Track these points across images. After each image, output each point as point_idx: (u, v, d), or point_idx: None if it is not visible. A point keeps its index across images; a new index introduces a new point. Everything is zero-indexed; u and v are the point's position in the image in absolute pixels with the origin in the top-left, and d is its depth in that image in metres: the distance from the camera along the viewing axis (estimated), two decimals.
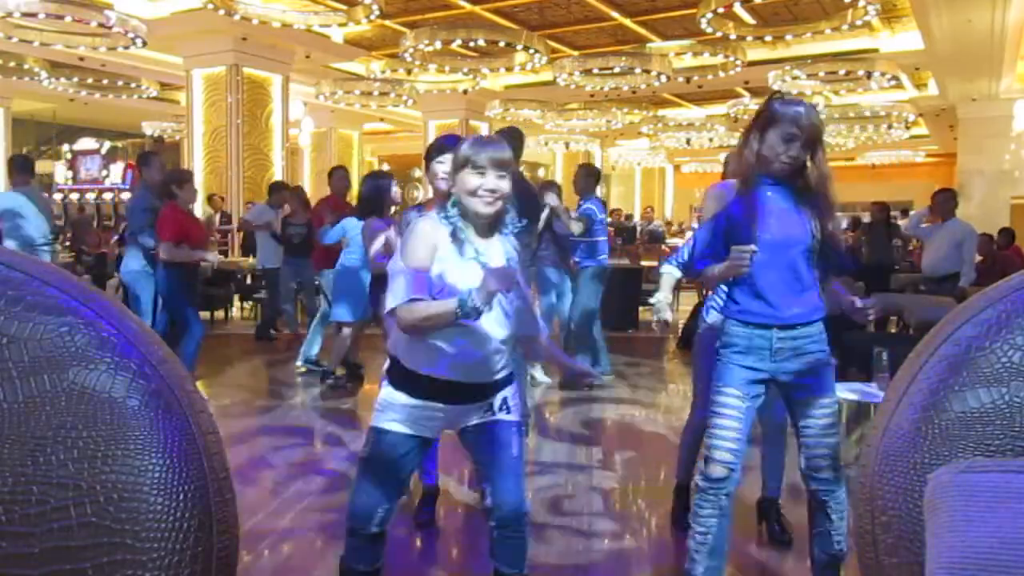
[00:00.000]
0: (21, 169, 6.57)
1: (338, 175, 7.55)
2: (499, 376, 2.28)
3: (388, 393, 2.28)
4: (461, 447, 2.44)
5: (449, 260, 2.15)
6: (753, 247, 2.38)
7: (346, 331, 6.20)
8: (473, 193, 2.16)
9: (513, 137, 4.06)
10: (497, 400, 2.30)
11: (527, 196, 4.13)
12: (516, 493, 2.29)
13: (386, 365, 2.36)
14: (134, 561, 1.01)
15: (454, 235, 2.16)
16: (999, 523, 1.00)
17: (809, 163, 2.45)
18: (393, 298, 2.13)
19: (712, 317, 3.30)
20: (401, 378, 2.26)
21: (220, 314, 9.93)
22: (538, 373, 6.50)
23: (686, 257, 2.99)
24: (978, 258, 7.75)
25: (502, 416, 2.30)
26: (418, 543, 3.40)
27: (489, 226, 2.24)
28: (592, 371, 3.23)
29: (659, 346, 8.88)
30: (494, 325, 2.19)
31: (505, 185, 2.17)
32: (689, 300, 10.64)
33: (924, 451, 1.17)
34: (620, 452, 4.77)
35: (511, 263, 2.22)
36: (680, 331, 8.74)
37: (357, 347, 6.51)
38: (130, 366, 1.05)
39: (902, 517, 1.17)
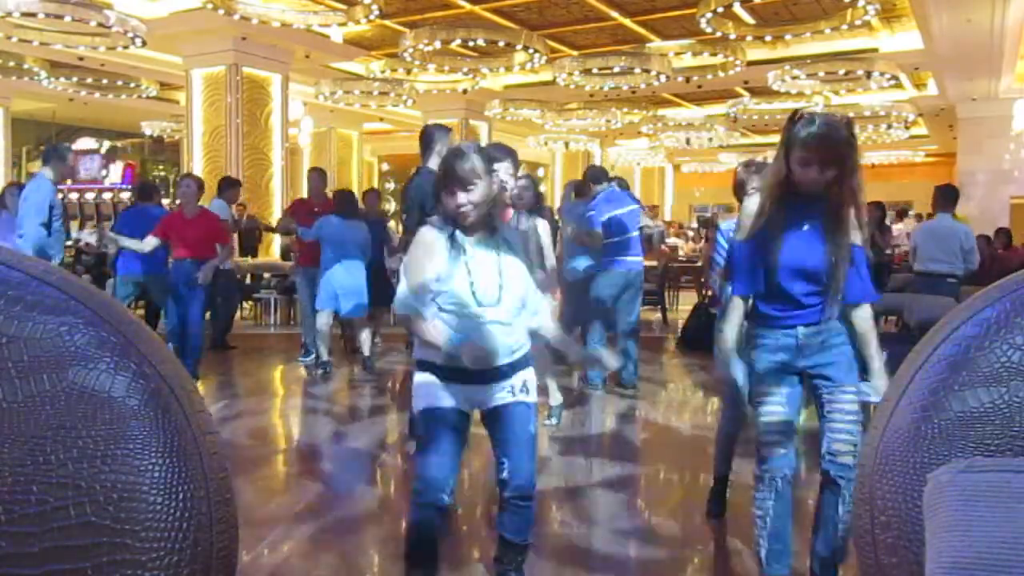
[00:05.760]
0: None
1: (314, 176, 7.88)
2: (509, 361, 2.47)
3: (420, 377, 2.53)
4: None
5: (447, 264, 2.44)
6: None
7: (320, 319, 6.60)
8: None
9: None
10: (517, 382, 2.50)
11: None
12: (529, 468, 2.53)
13: (415, 355, 2.60)
14: (134, 561, 1.01)
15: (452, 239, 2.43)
16: (999, 523, 1.00)
17: (835, 183, 2.40)
18: (401, 304, 2.47)
19: None
20: (424, 363, 2.52)
21: None
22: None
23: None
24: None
25: (521, 397, 2.51)
26: None
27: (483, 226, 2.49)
28: (602, 357, 3.05)
29: (659, 346, 8.88)
30: (498, 324, 2.43)
31: None
32: (690, 300, 10.64)
33: (924, 451, 1.17)
34: (620, 452, 4.77)
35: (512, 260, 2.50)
36: (680, 331, 8.74)
37: (356, 333, 7.04)
38: (130, 366, 1.05)
39: (901, 517, 1.17)
